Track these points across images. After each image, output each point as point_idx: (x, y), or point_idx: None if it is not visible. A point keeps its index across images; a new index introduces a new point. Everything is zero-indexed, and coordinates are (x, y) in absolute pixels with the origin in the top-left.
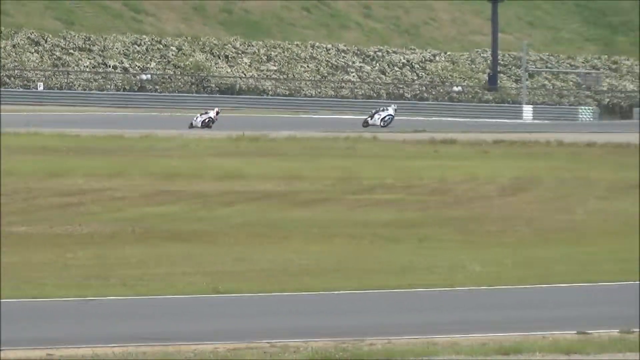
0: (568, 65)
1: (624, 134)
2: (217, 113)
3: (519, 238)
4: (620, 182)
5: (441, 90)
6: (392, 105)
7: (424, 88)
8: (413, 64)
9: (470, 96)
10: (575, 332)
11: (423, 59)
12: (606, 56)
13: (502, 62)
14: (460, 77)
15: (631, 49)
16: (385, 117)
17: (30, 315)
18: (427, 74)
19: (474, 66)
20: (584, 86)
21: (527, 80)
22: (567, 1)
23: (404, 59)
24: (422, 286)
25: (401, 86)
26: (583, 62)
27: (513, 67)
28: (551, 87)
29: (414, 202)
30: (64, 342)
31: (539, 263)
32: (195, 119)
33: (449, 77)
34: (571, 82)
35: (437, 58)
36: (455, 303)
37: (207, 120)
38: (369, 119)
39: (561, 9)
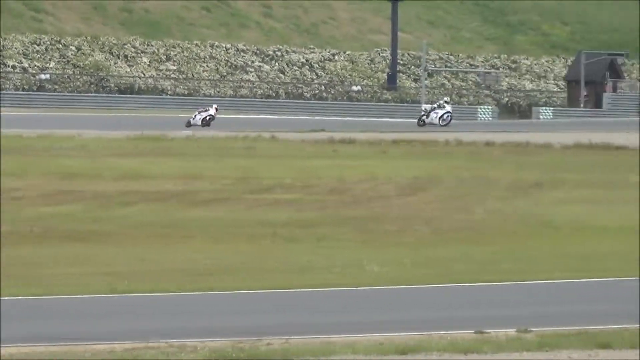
0: (467, 64)
1: (523, 134)
2: (217, 109)
3: (418, 238)
4: (519, 181)
5: (340, 90)
6: (445, 98)
7: (323, 87)
8: (312, 63)
9: (369, 95)
10: (474, 331)
11: (322, 59)
12: (505, 55)
13: (401, 62)
14: (360, 77)
15: (530, 48)
16: (443, 115)
17: None
18: (327, 74)
19: (373, 65)
20: (483, 85)
21: (426, 79)
22: (466, 0)
23: (303, 58)
24: (320, 286)
25: (300, 85)
26: (482, 62)
27: (412, 67)
28: (450, 87)
29: (313, 202)
30: None
31: (438, 263)
32: (193, 117)
33: (348, 76)
34: (470, 82)
35: (337, 57)
36: (353, 303)
37: (208, 118)
38: (425, 117)
39: (461, 9)
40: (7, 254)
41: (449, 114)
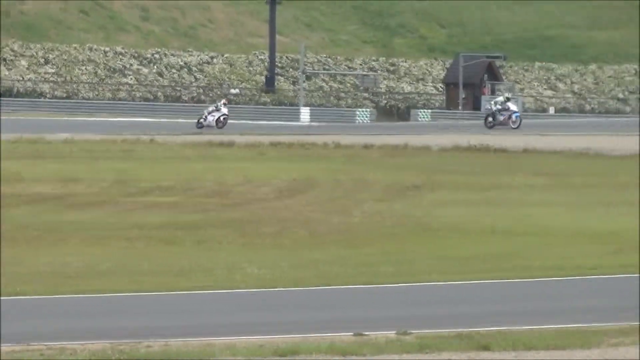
0: (346, 67)
1: (401, 136)
2: (226, 105)
3: (296, 240)
4: (397, 184)
5: (218, 93)
6: (507, 94)
7: (201, 90)
8: (191, 66)
9: (247, 98)
10: (352, 333)
11: (201, 61)
12: (384, 58)
13: (279, 64)
14: (238, 80)
15: (408, 51)
16: (512, 116)
17: None
18: (205, 76)
19: (251, 68)
20: (361, 88)
21: (304, 82)
22: (344, 2)
23: (181, 61)
24: (199, 288)
25: (179, 89)
26: (361, 64)
27: (290, 69)
28: (329, 89)
29: (192, 205)
30: None
31: (315, 265)
32: (203, 118)
33: (227, 79)
34: (349, 84)
35: (215, 60)
36: (232, 305)
37: (223, 118)
38: (491, 118)
39: (338, 11)
40: None
41: (518, 115)
